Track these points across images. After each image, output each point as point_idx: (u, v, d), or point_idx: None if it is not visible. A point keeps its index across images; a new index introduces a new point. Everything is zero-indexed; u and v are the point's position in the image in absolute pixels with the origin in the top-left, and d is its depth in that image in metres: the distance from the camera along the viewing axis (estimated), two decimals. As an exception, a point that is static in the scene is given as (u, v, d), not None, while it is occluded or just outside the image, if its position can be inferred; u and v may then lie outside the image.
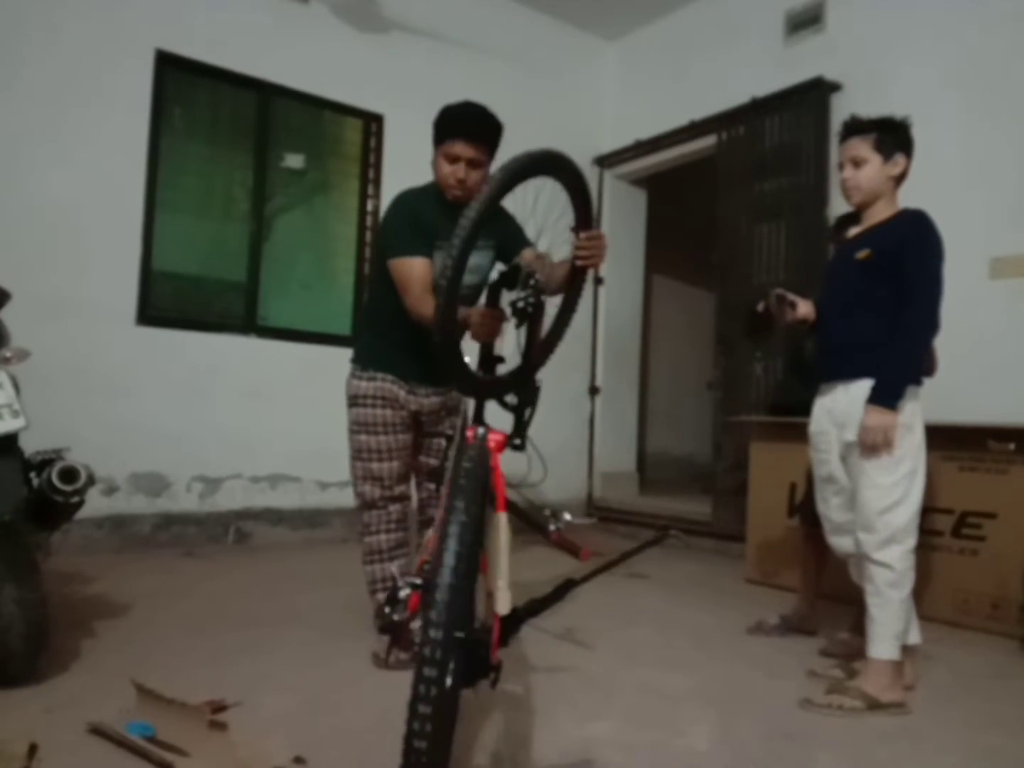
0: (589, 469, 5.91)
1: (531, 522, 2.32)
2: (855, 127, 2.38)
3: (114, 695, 1.97)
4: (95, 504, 3.59)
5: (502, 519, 1.65)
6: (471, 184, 2.46)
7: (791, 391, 3.58)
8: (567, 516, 2.01)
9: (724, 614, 3.25)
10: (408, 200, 2.54)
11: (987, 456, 3.18)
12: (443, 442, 2.60)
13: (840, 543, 2.45)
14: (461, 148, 2.42)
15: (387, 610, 1.43)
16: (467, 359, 1.89)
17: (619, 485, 5.94)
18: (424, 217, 2.46)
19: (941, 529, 3.26)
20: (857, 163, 2.35)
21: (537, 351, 2.00)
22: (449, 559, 1.28)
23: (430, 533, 1.67)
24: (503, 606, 1.55)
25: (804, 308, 2.54)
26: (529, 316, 1.85)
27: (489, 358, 1.99)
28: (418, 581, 1.48)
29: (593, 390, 5.95)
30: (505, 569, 1.58)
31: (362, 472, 2.57)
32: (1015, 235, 3.65)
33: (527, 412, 1.95)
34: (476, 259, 2.45)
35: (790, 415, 3.75)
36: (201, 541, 4.22)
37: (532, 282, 1.82)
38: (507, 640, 1.59)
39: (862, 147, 2.34)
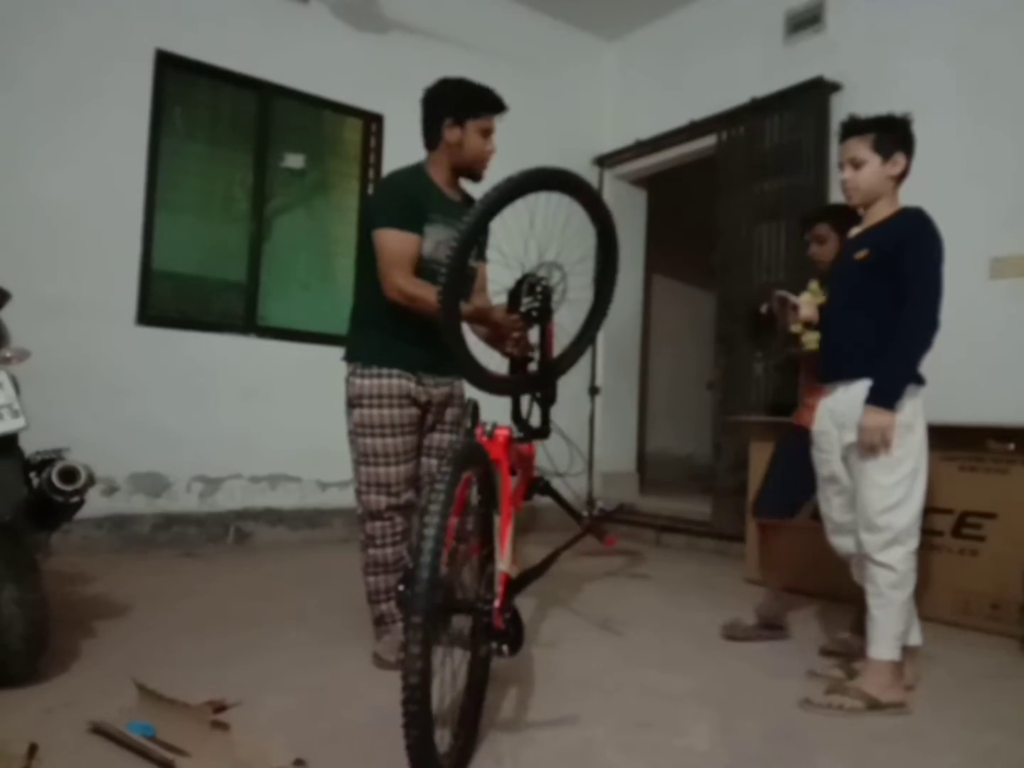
0: (589, 469, 5.90)
1: (567, 508, 2.53)
2: (853, 127, 2.37)
3: (114, 695, 1.97)
4: (95, 504, 3.58)
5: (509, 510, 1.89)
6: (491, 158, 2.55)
7: (791, 391, 3.58)
8: (600, 504, 2.19)
9: (724, 614, 3.24)
10: (399, 179, 2.52)
11: (987, 456, 3.18)
12: (444, 439, 2.60)
13: (841, 543, 2.45)
14: (497, 121, 2.51)
15: (401, 587, 1.61)
16: (477, 357, 2.07)
17: (619, 485, 5.93)
18: (415, 195, 2.43)
19: (941, 529, 3.26)
20: (856, 164, 2.33)
21: (567, 360, 2.26)
22: (429, 531, 1.54)
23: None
24: (506, 575, 1.78)
25: (806, 310, 2.54)
26: (537, 320, 2.07)
27: (522, 361, 2.24)
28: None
29: (593, 390, 5.95)
30: (509, 551, 1.80)
31: (366, 478, 2.44)
32: (1015, 235, 3.64)
33: (530, 404, 2.20)
34: None
35: (790, 415, 3.75)
36: (201, 541, 4.22)
37: (539, 289, 2.06)
38: (508, 606, 1.77)
39: (860, 148, 2.32)
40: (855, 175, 2.34)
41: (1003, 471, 3.14)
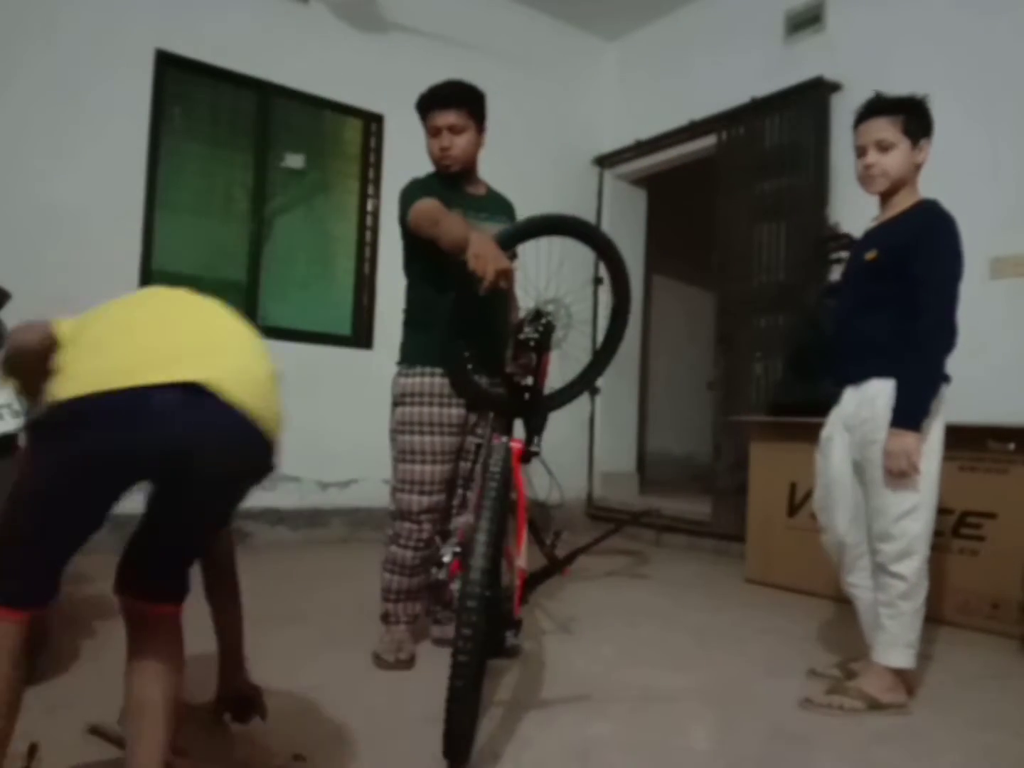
0: (589, 469, 5.90)
1: (535, 533, 2.61)
2: (880, 107, 2.20)
3: (114, 695, 1.96)
4: (95, 504, 3.58)
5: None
6: (456, 152, 2.48)
7: (791, 390, 3.58)
8: (565, 534, 2.34)
9: (724, 614, 3.25)
10: (416, 181, 2.57)
11: (987, 456, 3.18)
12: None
13: (834, 546, 2.42)
14: (439, 117, 2.46)
15: (433, 571, 1.84)
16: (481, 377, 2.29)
17: (619, 485, 5.94)
18: (432, 188, 2.47)
19: (941, 529, 3.24)
20: (883, 147, 2.17)
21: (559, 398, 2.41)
22: (482, 536, 1.68)
23: (466, 518, 2.04)
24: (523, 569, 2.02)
25: None
26: (532, 349, 2.14)
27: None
28: (459, 549, 1.89)
29: (593, 390, 5.94)
30: (524, 546, 2.02)
31: (402, 475, 2.45)
32: (1015, 235, 3.64)
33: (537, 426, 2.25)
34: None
35: (790, 414, 3.75)
36: (201, 541, 4.21)
37: (543, 322, 2.15)
38: (527, 598, 2.05)
39: (889, 129, 2.16)
40: (882, 158, 2.17)
41: (1003, 471, 3.14)
